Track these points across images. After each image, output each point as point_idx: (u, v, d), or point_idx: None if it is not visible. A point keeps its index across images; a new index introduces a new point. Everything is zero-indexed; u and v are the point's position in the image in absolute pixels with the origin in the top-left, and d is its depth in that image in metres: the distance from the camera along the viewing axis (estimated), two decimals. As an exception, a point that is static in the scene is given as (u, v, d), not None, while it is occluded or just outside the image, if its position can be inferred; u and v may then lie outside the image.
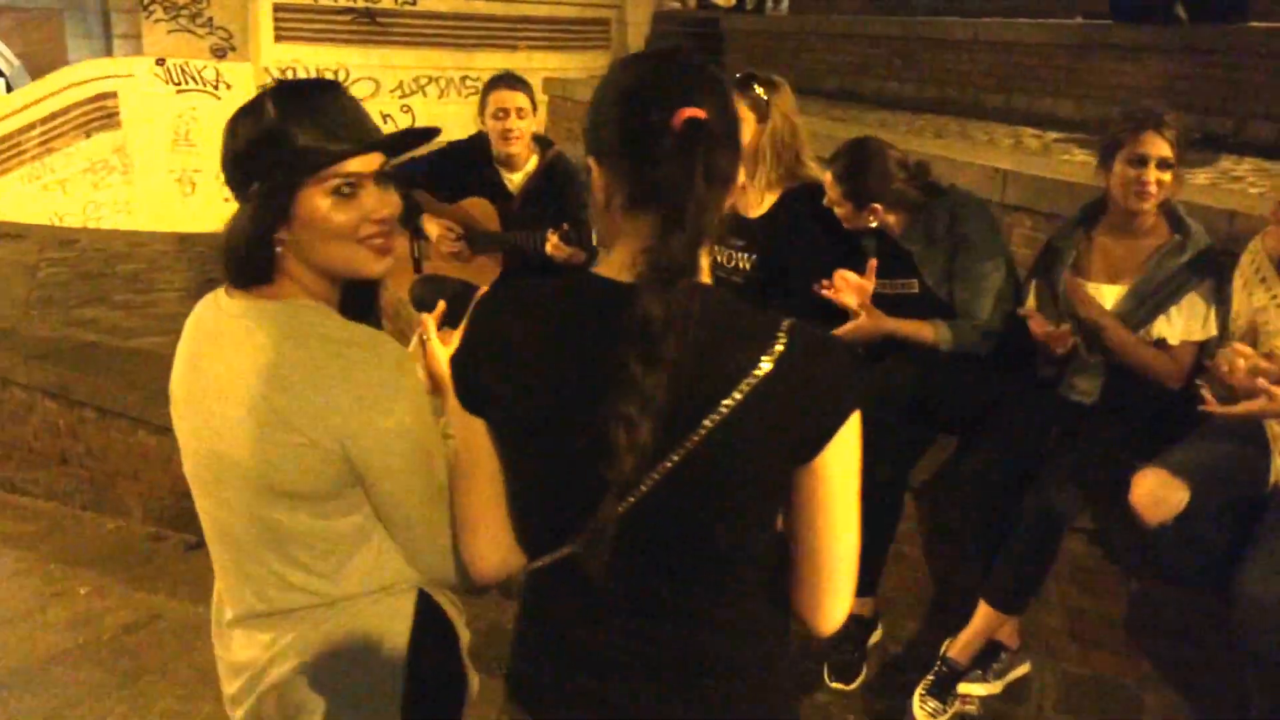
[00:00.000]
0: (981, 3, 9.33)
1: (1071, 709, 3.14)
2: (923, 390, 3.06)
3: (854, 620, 3.20)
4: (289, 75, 10.06)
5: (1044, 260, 3.11)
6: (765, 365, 1.24)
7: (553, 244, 3.75)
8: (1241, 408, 2.47)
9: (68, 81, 10.33)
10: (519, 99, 3.90)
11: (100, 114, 10.24)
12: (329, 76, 10.21)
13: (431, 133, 1.76)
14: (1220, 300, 2.85)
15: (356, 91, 9.85)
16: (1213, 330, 2.87)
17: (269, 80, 1.66)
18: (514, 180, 4.01)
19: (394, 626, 1.62)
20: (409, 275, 4.10)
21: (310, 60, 10.05)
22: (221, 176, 1.58)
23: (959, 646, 2.98)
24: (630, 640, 1.36)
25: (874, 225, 3.10)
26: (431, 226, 3.96)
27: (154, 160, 9.95)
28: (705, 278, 1.32)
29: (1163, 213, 2.92)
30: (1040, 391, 3.09)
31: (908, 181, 3.07)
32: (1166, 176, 2.83)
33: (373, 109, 10.89)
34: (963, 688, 2.94)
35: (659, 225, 1.26)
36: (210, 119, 9.70)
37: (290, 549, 1.59)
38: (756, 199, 3.40)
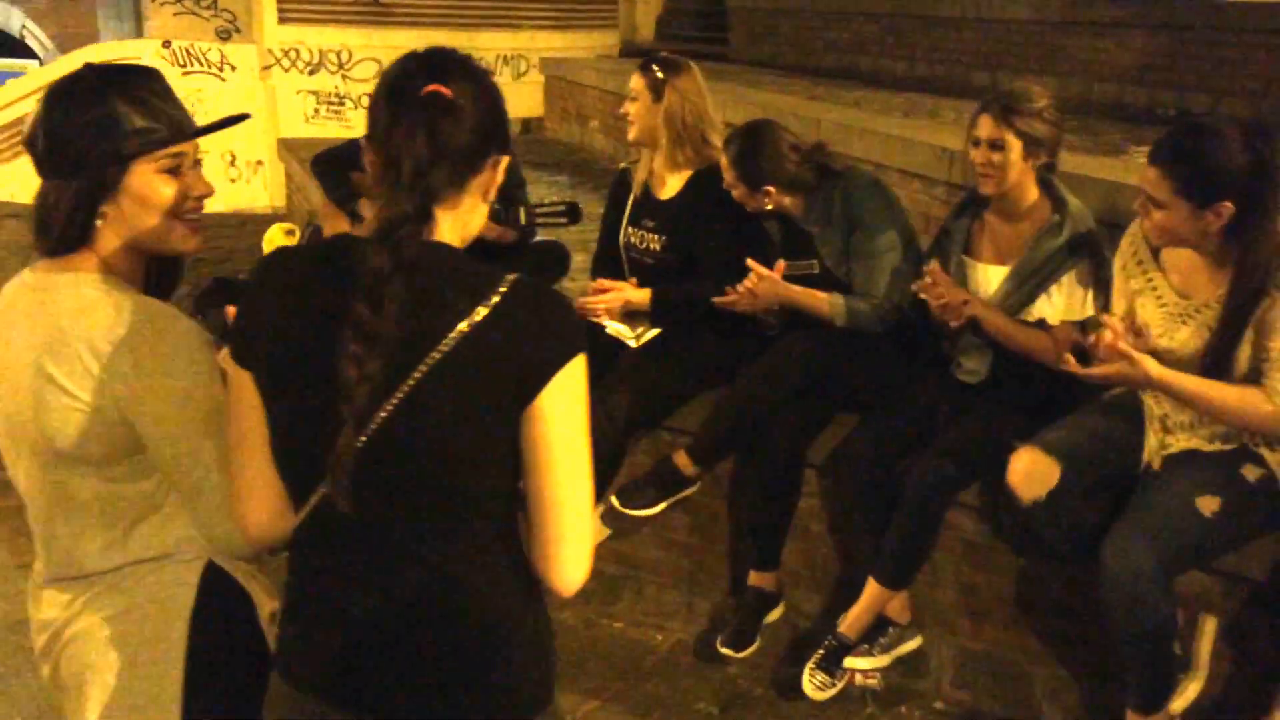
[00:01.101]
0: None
1: (967, 683, 3.19)
2: (820, 367, 3.10)
3: (753, 592, 3.28)
4: (293, 57, 10.19)
5: (938, 242, 3.13)
6: (482, 311, 1.33)
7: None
8: (1099, 370, 2.50)
9: (77, 64, 10.51)
10: None
11: (110, 96, 10.44)
12: (331, 59, 10.34)
13: (241, 117, 1.87)
14: (1099, 281, 2.86)
15: (359, 72, 9.94)
16: (1090, 310, 2.89)
17: (88, 63, 1.73)
18: (450, 162, 4.07)
19: (177, 595, 1.70)
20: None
21: (313, 41, 10.15)
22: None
23: (848, 621, 3.03)
24: (375, 594, 1.44)
25: (769, 207, 3.14)
26: (366, 210, 4.03)
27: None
28: (446, 237, 1.42)
29: (1046, 193, 2.94)
30: (934, 370, 3.12)
31: (800, 164, 3.11)
32: (998, 157, 2.84)
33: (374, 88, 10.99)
34: (849, 661, 3.00)
35: (391, 185, 1.36)
36: (215, 100, 9.84)
37: (82, 514, 1.68)
38: (666, 180, 3.45)
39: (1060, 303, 2.90)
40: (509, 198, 3.87)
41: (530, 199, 3.95)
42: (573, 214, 3.79)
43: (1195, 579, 2.74)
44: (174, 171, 1.67)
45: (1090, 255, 2.87)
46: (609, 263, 3.60)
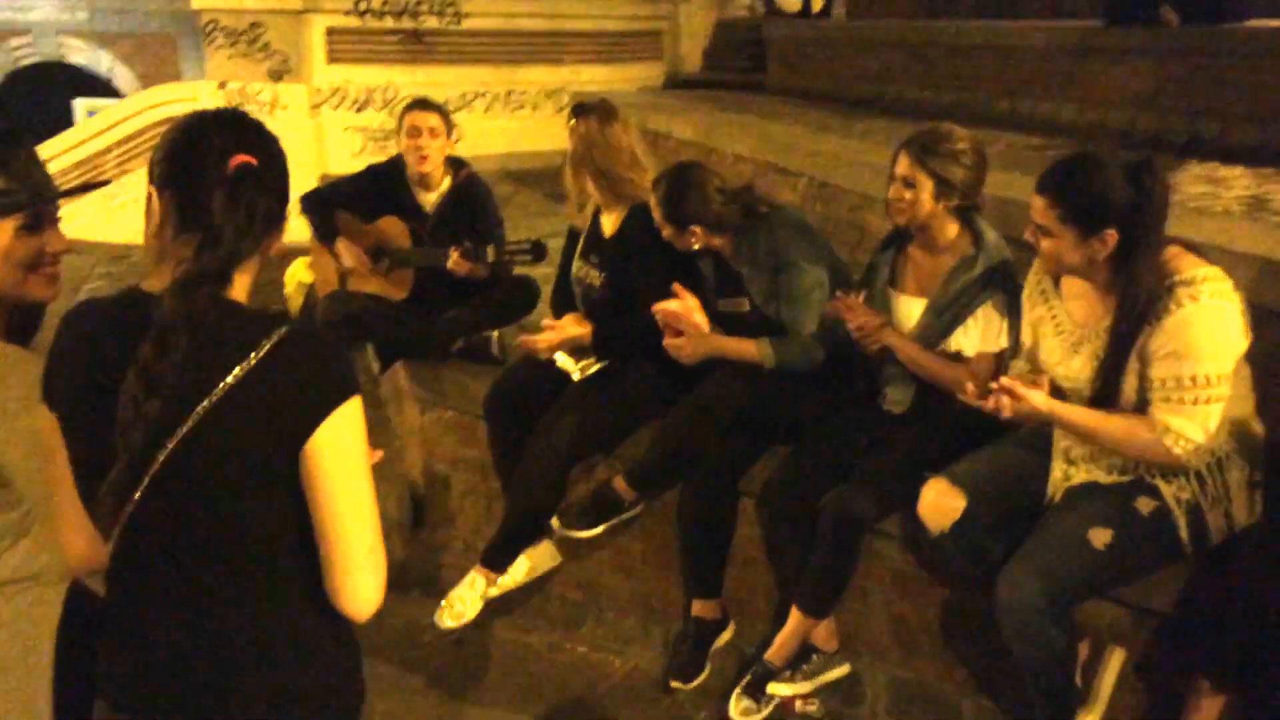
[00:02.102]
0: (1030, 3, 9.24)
1: (899, 712, 3.22)
2: (751, 401, 3.18)
3: (695, 622, 3.35)
4: (341, 96, 10.55)
5: (866, 275, 3.20)
6: (253, 358, 1.45)
7: (453, 260, 3.97)
8: (990, 402, 2.55)
9: (141, 106, 11.05)
10: (431, 119, 4.15)
11: (170, 136, 10.92)
12: (378, 97, 10.67)
13: (91, 187, 2.05)
14: (1014, 312, 2.90)
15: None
16: (1004, 342, 2.93)
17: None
18: (429, 200, 4.25)
19: (43, 613, 1.87)
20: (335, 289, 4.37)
21: (359, 80, 10.50)
22: None
23: (774, 648, 3.10)
24: (172, 623, 1.57)
25: (697, 247, 3.24)
26: (343, 250, 4.22)
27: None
28: (237, 295, 1.55)
29: (966, 227, 2.99)
30: (860, 403, 3.18)
31: (726, 204, 3.20)
32: (909, 194, 2.91)
33: (421, 124, 10.90)
34: (771, 687, 3.06)
35: (197, 245, 1.49)
36: (268, 138, 10.22)
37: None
38: (606, 218, 3.57)
39: (976, 335, 2.95)
40: (481, 237, 4.04)
41: (526, 240, 4.08)
42: (537, 252, 3.93)
43: (1105, 610, 2.76)
44: (31, 229, 1.83)
45: (1005, 288, 2.92)
46: (564, 297, 3.72)
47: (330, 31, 10.31)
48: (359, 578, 1.55)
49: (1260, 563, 2.45)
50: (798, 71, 10.31)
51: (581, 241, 3.66)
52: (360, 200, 4.28)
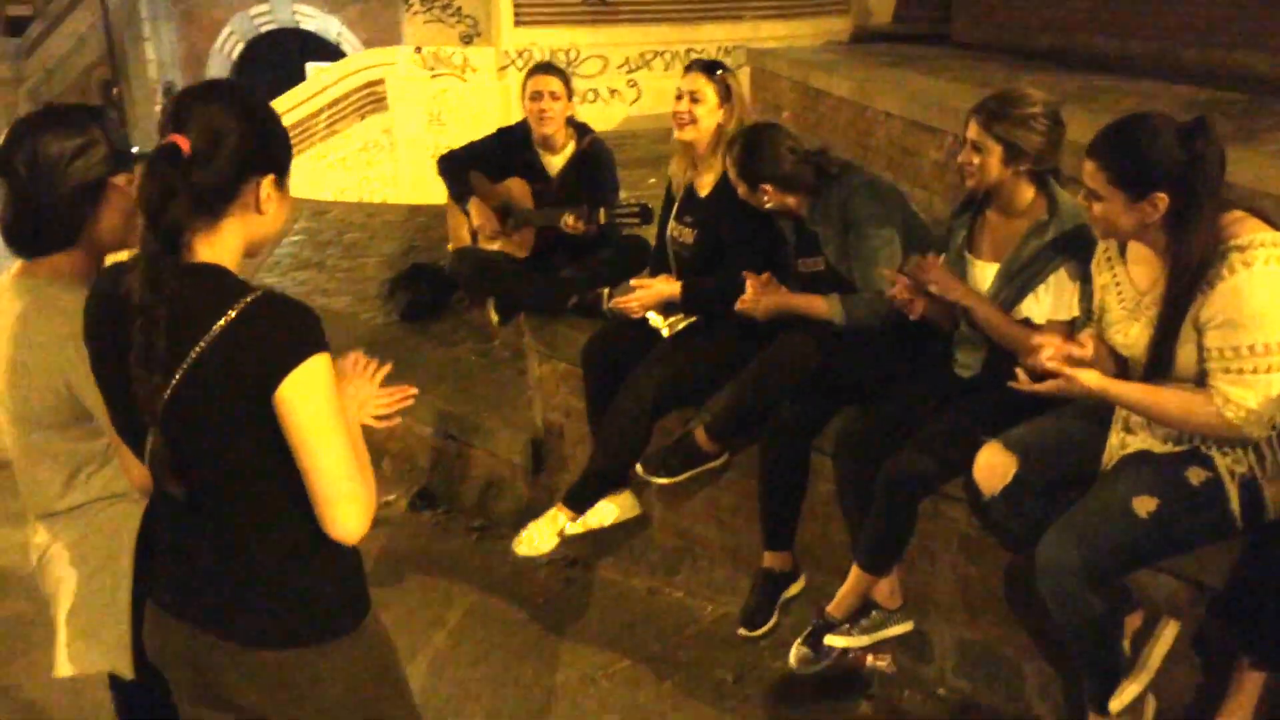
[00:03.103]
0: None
1: (966, 673, 3.24)
2: (823, 360, 3.24)
3: (765, 573, 3.46)
4: (526, 57, 10.92)
5: (945, 237, 3.18)
6: (221, 323, 1.66)
7: (568, 223, 4.18)
8: (1041, 386, 2.53)
9: (346, 71, 11.76)
10: (552, 83, 4.34)
11: (372, 98, 11.59)
12: (561, 58, 10.98)
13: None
14: (1087, 279, 2.83)
15: (585, 69, 10.58)
16: (1075, 310, 2.86)
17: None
18: (553, 163, 4.45)
19: (125, 525, 2.18)
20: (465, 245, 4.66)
21: (544, 42, 10.83)
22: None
23: (835, 602, 3.16)
24: (188, 552, 1.84)
25: (769, 205, 3.30)
26: (474, 209, 4.48)
27: (413, 139, 11.13)
28: (207, 257, 1.75)
29: (1042, 192, 2.93)
30: (932, 366, 3.18)
31: (797, 164, 3.25)
32: (977, 159, 2.86)
33: (600, 84, 11.54)
34: (828, 639, 3.13)
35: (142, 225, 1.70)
36: (459, 99, 10.72)
37: (52, 465, 2.17)
38: (704, 178, 3.66)
39: (1047, 302, 2.90)
40: (599, 199, 4.22)
41: (635, 201, 4.23)
42: (644, 215, 4.07)
43: (1164, 582, 2.70)
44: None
45: (1078, 255, 2.85)
46: (660, 256, 3.85)
47: (517, -5, 10.70)
48: (338, 508, 1.75)
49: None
50: (981, 24, 9.96)
51: (677, 203, 3.77)
52: (491, 162, 4.53)
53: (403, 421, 5.36)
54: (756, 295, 3.28)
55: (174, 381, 1.68)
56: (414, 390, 2.10)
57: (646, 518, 4.05)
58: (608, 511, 3.78)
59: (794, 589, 3.48)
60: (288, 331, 1.70)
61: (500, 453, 4.64)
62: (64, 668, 2.26)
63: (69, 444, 2.15)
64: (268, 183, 1.79)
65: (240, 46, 20.92)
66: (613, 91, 10.72)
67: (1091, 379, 2.48)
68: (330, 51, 18.84)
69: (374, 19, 18.97)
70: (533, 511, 4.54)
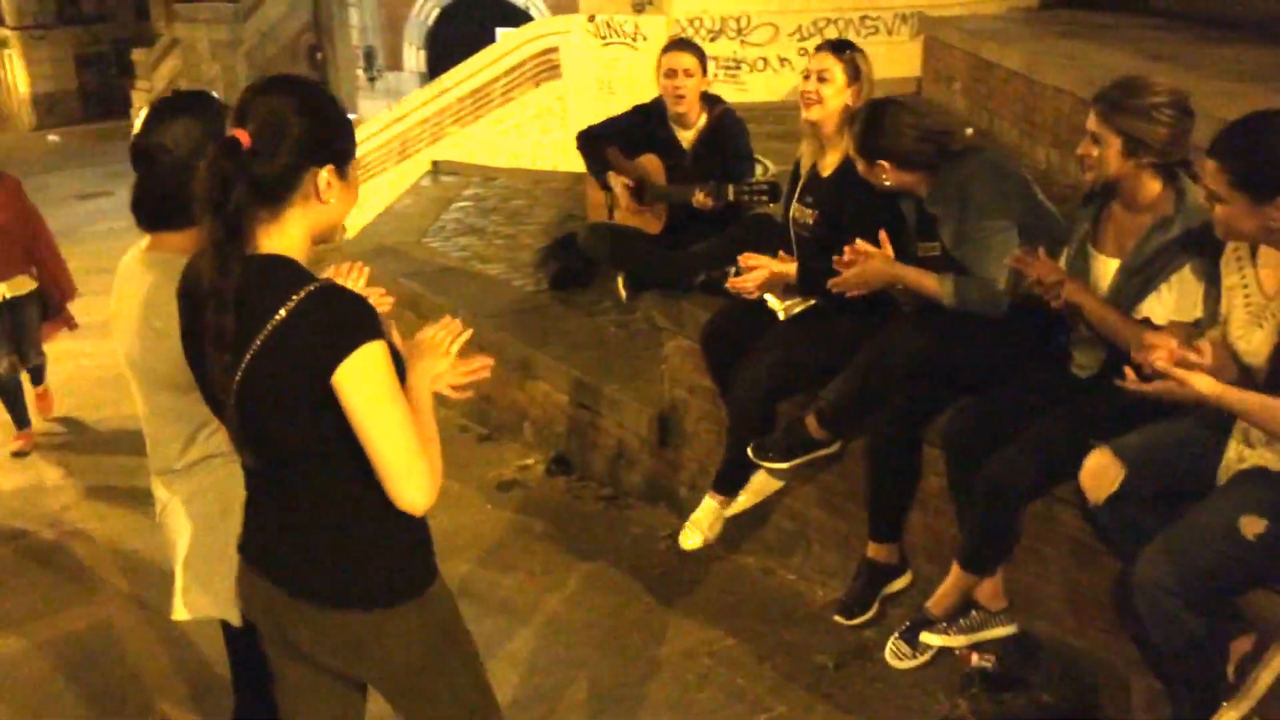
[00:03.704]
0: None
1: (1071, 680, 3.13)
2: (935, 350, 3.16)
3: (869, 564, 3.43)
4: (696, 25, 10.88)
5: (1069, 231, 3.05)
6: (282, 313, 1.78)
7: (698, 199, 4.20)
8: (1150, 387, 2.43)
9: (522, 39, 11.98)
10: (686, 60, 4.36)
11: (546, 66, 11.78)
12: (731, 25, 10.89)
13: None
14: (1214, 279, 2.67)
15: (755, 37, 10.50)
16: (1199, 311, 2.71)
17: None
18: (686, 137, 4.47)
19: (236, 482, 2.32)
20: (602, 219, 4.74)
21: (715, 10, 10.74)
22: None
23: (934, 599, 3.12)
24: (266, 514, 1.99)
25: (887, 183, 3.22)
26: (613, 182, 4.55)
27: (585, 106, 11.26)
28: (271, 248, 1.86)
29: (1170, 185, 2.77)
30: (1049, 363, 3.06)
31: (918, 143, 3.15)
32: (1096, 151, 2.72)
33: (770, 53, 11.41)
34: (924, 636, 3.09)
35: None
36: (629, 68, 10.77)
37: (173, 423, 2.36)
38: (827, 158, 3.61)
39: (1170, 301, 2.76)
40: (733, 173, 4.22)
41: (764, 178, 4.22)
42: (773, 192, 4.05)
43: (1278, 604, 2.55)
44: None
45: (1205, 253, 2.69)
46: (784, 236, 3.82)
47: (691, -38, 10.63)
48: (400, 485, 1.85)
49: None
50: (1182, -11, 9.33)
51: (801, 183, 3.73)
52: (628, 137, 4.59)
53: (544, 389, 5.52)
54: (859, 263, 3.20)
55: (242, 365, 1.80)
56: (490, 361, 2.17)
57: (768, 500, 4.06)
58: (759, 486, 3.78)
59: (900, 583, 3.44)
60: (342, 322, 1.80)
61: (628, 424, 4.73)
62: (179, 612, 2.47)
63: (191, 405, 2.31)
64: (328, 172, 1.88)
65: (435, 13, 21.67)
66: (782, 60, 10.52)
67: (1204, 384, 2.35)
68: (521, 18, 19.29)
69: (558, -15, 19.32)
70: (656, 484, 4.64)
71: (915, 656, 3.13)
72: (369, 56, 23.01)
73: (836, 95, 3.55)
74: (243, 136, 1.81)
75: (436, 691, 2.07)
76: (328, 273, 2.42)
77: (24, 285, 5.93)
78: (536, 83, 11.92)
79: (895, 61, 10.34)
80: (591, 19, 11.16)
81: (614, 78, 11.16)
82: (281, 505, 1.97)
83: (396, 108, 13.12)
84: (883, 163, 3.21)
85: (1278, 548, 2.34)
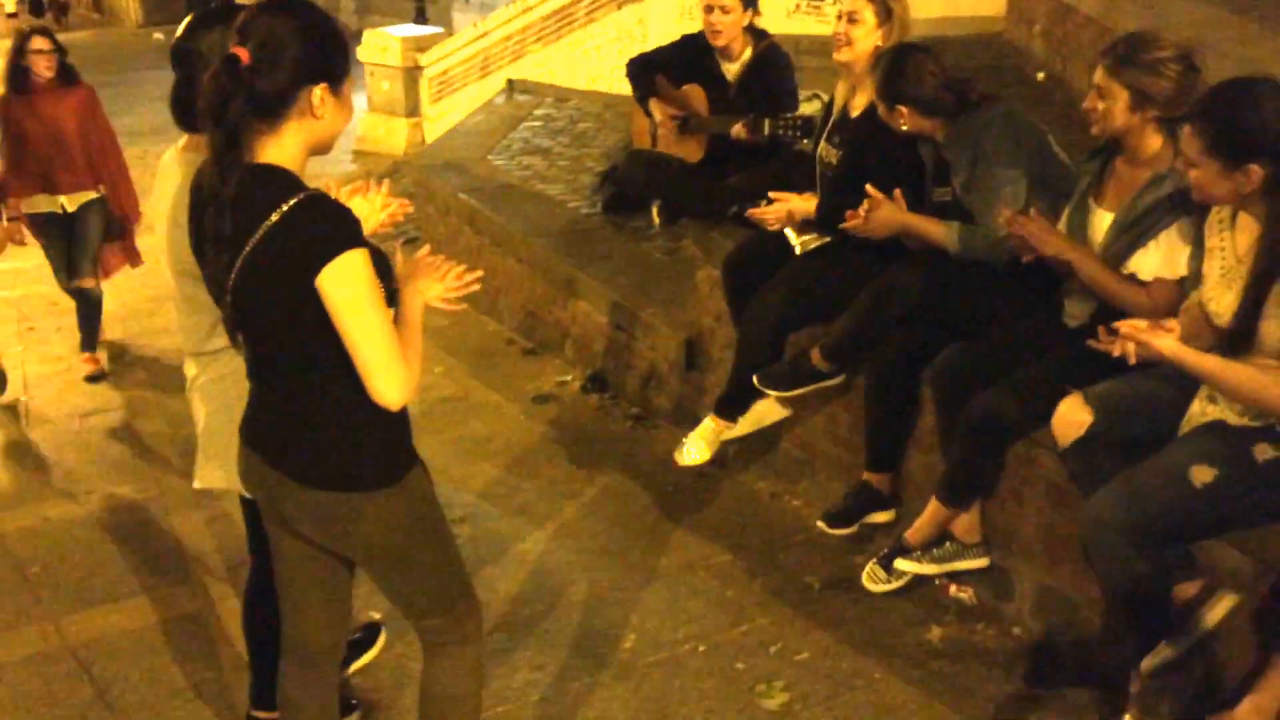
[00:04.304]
0: None
1: (1041, 616, 3.27)
2: (934, 292, 3.26)
3: (863, 485, 3.58)
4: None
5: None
6: (274, 216, 1.97)
7: (735, 131, 4.30)
8: (1116, 347, 2.52)
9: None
10: None
11: (629, -11, 11.80)
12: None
13: None
14: (1199, 240, 2.72)
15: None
16: (1183, 269, 2.76)
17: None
18: (731, 70, 4.55)
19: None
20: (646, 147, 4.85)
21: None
22: None
23: (913, 528, 3.26)
24: (261, 399, 2.21)
25: (905, 127, 3.30)
26: (655, 110, 4.65)
27: (665, 31, 11.25)
28: (270, 158, 2.03)
29: (1171, 141, 2.81)
30: (1043, 311, 3.14)
31: (938, 90, 3.22)
32: (1103, 105, 2.80)
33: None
34: (899, 562, 3.23)
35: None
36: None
37: (200, 312, 2.58)
38: (856, 99, 3.68)
39: (1156, 258, 2.82)
40: (776, 106, 4.30)
41: (799, 114, 4.30)
42: (805, 128, 4.14)
43: (1230, 555, 2.64)
44: None
45: (1193, 213, 2.74)
46: (810, 173, 3.91)
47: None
48: (375, 381, 2.03)
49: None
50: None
51: (831, 122, 3.81)
52: (676, 66, 4.68)
53: (585, 309, 5.69)
54: (870, 210, 3.30)
55: (237, 264, 2.00)
56: (480, 273, 2.33)
57: (780, 427, 4.20)
58: (760, 414, 3.94)
59: (884, 516, 3.59)
60: (325, 230, 1.98)
61: (660, 348, 4.89)
62: (197, 481, 2.73)
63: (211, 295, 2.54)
64: (321, 89, 2.04)
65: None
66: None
67: (1166, 344, 2.44)
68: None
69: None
70: (682, 407, 4.80)
71: (889, 581, 3.29)
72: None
73: (867, 37, 3.60)
74: (242, 54, 1.98)
75: (409, 569, 2.29)
76: (354, 186, 2.62)
77: (85, 197, 5.69)
78: (619, 4, 11.92)
79: (983, 0, 10.15)
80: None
81: (694, 3, 11.13)
82: (274, 392, 2.18)
83: (481, 24, 13.19)
84: (902, 107, 3.28)
85: (1223, 498, 2.44)
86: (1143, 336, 2.43)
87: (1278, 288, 2.32)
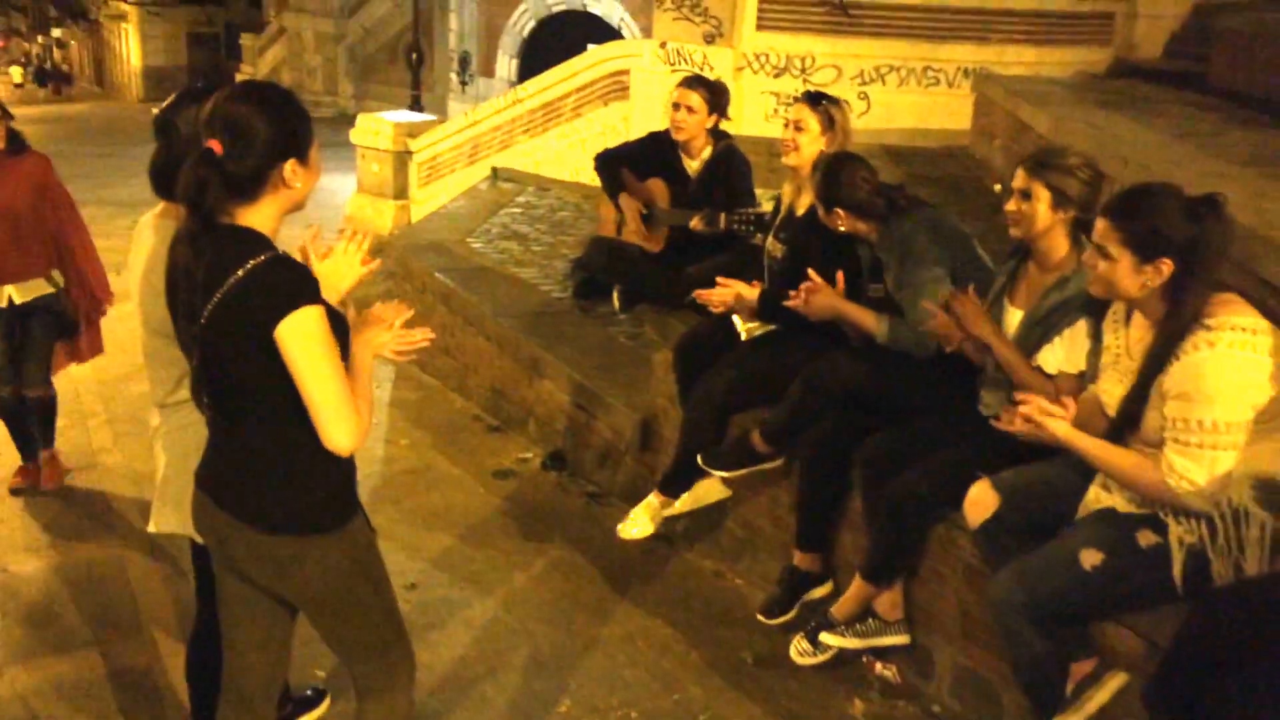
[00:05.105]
0: None
1: (958, 694, 3.41)
2: (865, 381, 3.47)
3: (791, 570, 3.73)
4: (762, 61, 11.24)
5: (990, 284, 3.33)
6: (240, 272, 2.16)
7: (694, 225, 4.55)
8: (1015, 428, 2.72)
9: (597, 59, 12.45)
10: (691, 98, 4.72)
11: (616, 87, 12.24)
12: (796, 64, 11.23)
13: None
14: (1098, 337, 2.94)
15: (818, 79, 10.87)
16: (1083, 365, 2.98)
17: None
18: (692, 166, 4.83)
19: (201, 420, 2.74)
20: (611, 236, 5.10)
21: (782, 48, 11.11)
22: None
23: (838, 604, 3.41)
24: (217, 445, 2.38)
25: (842, 228, 3.54)
26: (624, 202, 4.92)
27: (648, 128, 11.66)
28: (249, 223, 2.24)
29: (1075, 248, 3.05)
30: (963, 399, 3.34)
31: (870, 195, 3.47)
32: (1025, 206, 3.04)
33: (833, 93, 11.72)
34: (823, 636, 3.38)
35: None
36: (694, 96, 11.15)
37: (165, 366, 2.76)
38: (801, 199, 3.93)
39: (1060, 353, 3.03)
40: (725, 203, 4.56)
41: (753, 210, 4.56)
42: (759, 224, 4.39)
43: (1124, 637, 2.81)
44: None
45: (1095, 313, 2.96)
46: (758, 267, 4.15)
47: (763, 0, 11.01)
48: (327, 428, 2.21)
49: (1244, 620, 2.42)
50: (1241, 69, 9.44)
51: (779, 220, 4.06)
52: (641, 161, 4.96)
53: (549, 388, 5.85)
54: (807, 294, 3.52)
55: (205, 313, 2.19)
56: (430, 334, 2.51)
57: (725, 506, 4.37)
58: (701, 493, 4.13)
59: (820, 591, 3.73)
60: (284, 286, 2.17)
61: (617, 428, 5.07)
62: (152, 525, 2.88)
63: (178, 352, 2.72)
64: (292, 164, 2.27)
65: (532, 24, 22.28)
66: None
67: (1059, 428, 2.64)
68: (612, 35, 19.83)
69: (651, 10, 19.82)
70: (636, 486, 4.96)
71: (815, 654, 3.43)
72: (464, 61, 23.69)
73: (811, 143, 3.88)
74: (216, 146, 2.19)
75: (347, 614, 2.44)
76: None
77: (37, 289, 4.84)
78: (605, 101, 12.37)
79: (953, 113, 10.61)
80: (663, 45, 11.59)
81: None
82: (231, 438, 2.35)
83: (472, 113, 13.63)
84: (839, 210, 3.53)
85: (1111, 580, 2.61)
86: (1038, 418, 2.63)
87: (1160, 380, 2.53)
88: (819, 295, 3.51)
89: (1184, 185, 4.26)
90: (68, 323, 4.98)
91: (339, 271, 2.43)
